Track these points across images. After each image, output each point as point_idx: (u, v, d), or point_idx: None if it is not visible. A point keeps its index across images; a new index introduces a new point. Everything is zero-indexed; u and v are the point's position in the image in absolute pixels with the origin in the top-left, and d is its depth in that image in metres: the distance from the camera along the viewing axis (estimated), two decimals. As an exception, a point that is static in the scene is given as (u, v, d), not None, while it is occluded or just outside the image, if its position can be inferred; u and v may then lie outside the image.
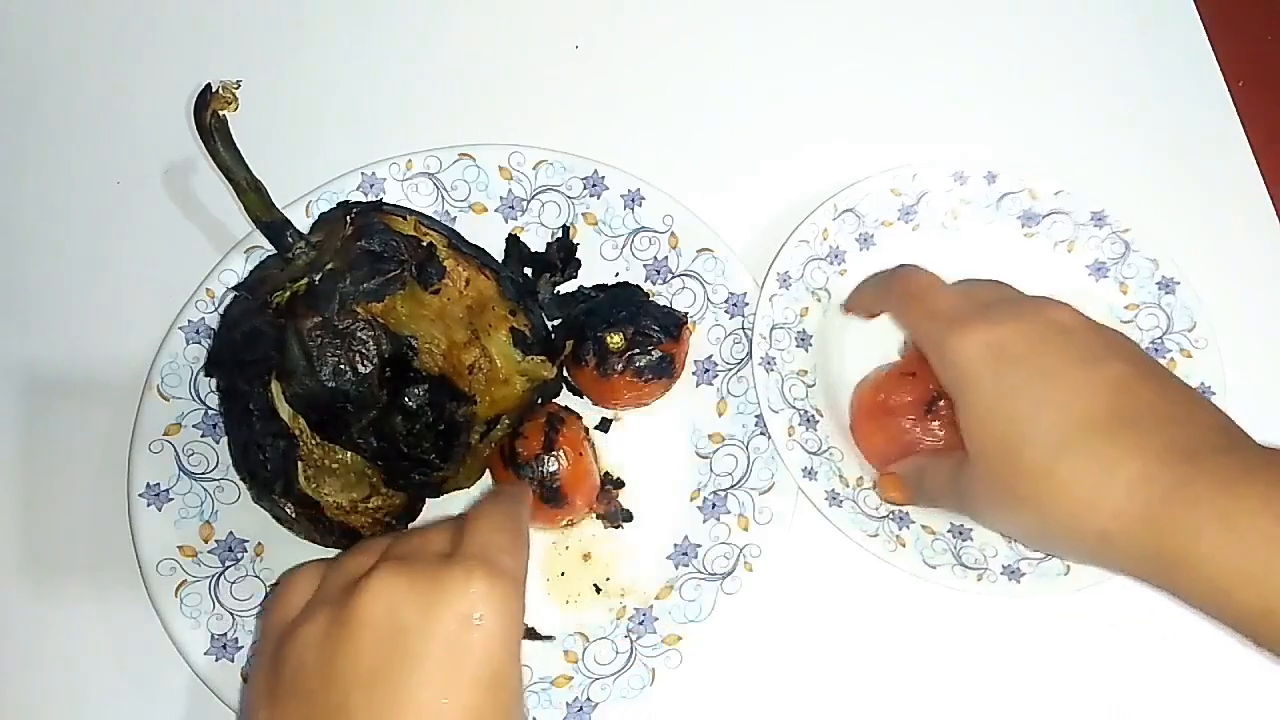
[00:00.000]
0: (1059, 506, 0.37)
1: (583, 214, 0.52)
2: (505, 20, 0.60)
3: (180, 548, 0.46)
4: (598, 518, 0.48)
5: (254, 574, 0.46)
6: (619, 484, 0.49)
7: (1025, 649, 0.47)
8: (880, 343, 0.51)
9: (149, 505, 0.46)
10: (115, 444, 0.48)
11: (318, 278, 0.43)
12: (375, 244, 0.44)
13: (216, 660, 0.44)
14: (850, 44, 0.60)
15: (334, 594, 0.33)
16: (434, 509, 0.48)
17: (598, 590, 0.47)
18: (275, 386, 0.43)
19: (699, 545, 0.47)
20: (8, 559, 0.49)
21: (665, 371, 0.48)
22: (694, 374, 0.50)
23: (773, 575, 0.46)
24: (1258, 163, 0.57)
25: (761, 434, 0.48)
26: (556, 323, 0.51)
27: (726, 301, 0.50)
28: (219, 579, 0.46)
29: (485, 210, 0.52)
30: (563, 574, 0.48)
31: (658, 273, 0.52)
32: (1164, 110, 0.58)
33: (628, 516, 0.48)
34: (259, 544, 0.47)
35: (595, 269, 0.52)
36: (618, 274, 0.52)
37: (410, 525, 0.47)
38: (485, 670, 0.31)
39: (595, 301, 0.51)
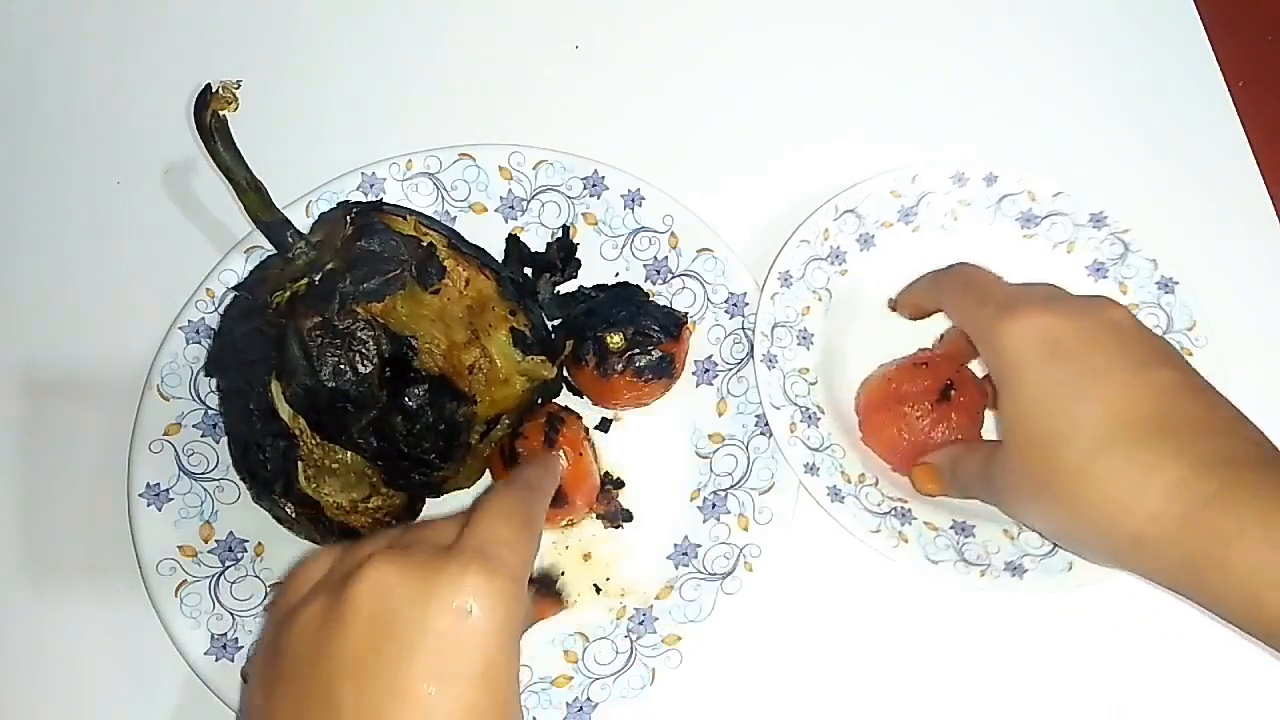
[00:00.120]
0: (1094, 507, 0.37)
1: (583, 214, 0.52)
2: (505, 20, 0.60)
3: (180, 548, 0.46)
4: (598, 518, 0.48)
5: (254, 574, 0.46)
6: (619, 484, 0.49)
7: (1027, 648, 0.47)
8: (882, 344, 0.51)
9: (149, 505, 0.46)
10: (115, 444, 0.48)
11: (318, 278, 0.43)
12: (375, 244, 0.44)
13: (216, 660, 0.44)
14: (850, 44, 0.60)
15: (334, 581, 0.33)
16: (434, 509, 0.48)
17: (598, 590, 0.47)
18: (275, 386, 0.43)
19: (699, 545, 0.47)
20: (8, 559, 0.49)
21: (665, 371, 0.48)
22: (694, 374, 0.50)
23: (773, 575, 0.46)
24: (1258, 163, 0.57)
25: (761, 434, 0.48)
26: (556, 323, 0.51)
27: (726, 301, 0.50)
28: (219, 579, 0.46)
29: (485, 210, 0.52)
30: (563, 574, 0.48)
31: (658, 273, 0.52)
32: (1164, 110, 0.58)
33: (628, 516, 0.48)
34: (259, 544, 0.47)
35: (595, 269, 0.52)
36: (618, 274, 0.52)
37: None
38: (477, 664, 0.31)
39: (595, 301, 0.51)
